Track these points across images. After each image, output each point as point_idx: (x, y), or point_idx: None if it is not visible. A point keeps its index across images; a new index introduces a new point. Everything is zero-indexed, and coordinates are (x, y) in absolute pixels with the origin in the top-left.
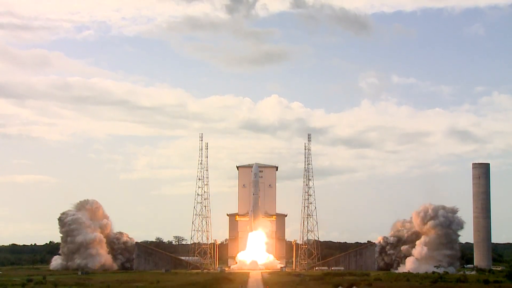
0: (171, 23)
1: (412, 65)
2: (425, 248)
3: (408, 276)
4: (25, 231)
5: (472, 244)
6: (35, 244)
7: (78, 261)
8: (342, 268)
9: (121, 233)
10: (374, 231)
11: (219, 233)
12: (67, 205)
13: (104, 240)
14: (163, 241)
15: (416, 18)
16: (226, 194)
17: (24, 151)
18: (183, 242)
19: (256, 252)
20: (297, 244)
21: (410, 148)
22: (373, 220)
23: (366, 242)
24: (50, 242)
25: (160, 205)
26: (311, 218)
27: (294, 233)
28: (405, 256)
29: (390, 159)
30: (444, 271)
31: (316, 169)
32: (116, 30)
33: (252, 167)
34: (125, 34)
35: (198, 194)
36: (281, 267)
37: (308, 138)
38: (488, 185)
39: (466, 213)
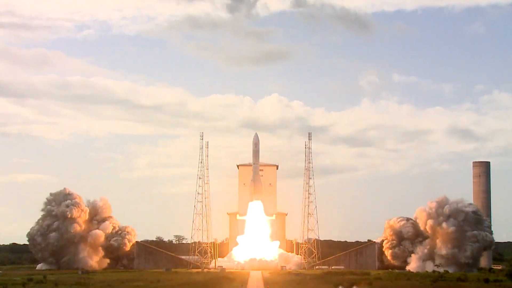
0: (172, 22)
1: (412, 64)
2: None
3: (408, 275)
4: (25, 231)
5: None
6: None
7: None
8: (343, 267)
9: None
10: (375, 230)
11: (219, 232)
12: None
13: (101, 237)
14: (164, 240)
15: (416, 17)
16: (227, 193)
17: (24, 150)
18: (184, 241)
19: (256, 239)
20: (297, 243)
21: (411, 147)
22: (373, 219)
23: (367, 241)
24: None
25: (161, 204)
26: (312, 217)
27: (294, 232)
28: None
29: (391, 158)
30: (444, 270)
31: (317, 168)
32: (116, 29)
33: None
34: (125, 33)
35: (198, 193)
36: (281, 266)
37: (309, 136)
38: (488, 184)
39: None
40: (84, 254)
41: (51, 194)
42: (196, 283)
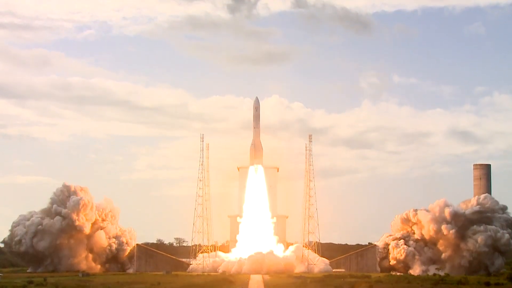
0: (172, 22)
1: (413, 65)
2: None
3: (409, 278)
4: None
5: None
6: None
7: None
8: (343, 270)
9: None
10: (375, 232)
11: (220, 234)
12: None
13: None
14: (164, 242)
15: (416, 18)
16: (227, 195)
17: (25, 152)
18: (184, 244)
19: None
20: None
21: (411, 149)
22: (374, 221)
23: (367, 244)
24: None
25: (161, 206)
26: (312, 220)
27: (295, 234)
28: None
29: (391, 160)
30: (445, 273)
31: (317, 170)
32: (117, 30)
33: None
34: (126, 34)
35: (199, 196)
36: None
37: (309, 138)
38: (489, 186)
39: None
40: (84, 256)
41: (56, 192)
42: (197, 286)
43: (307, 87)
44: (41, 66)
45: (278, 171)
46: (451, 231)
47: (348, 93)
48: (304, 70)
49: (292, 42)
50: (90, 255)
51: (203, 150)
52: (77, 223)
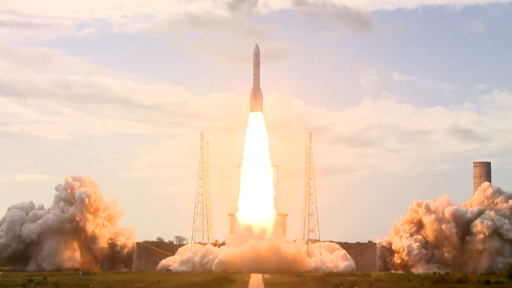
0: (172, 20)
1: (413, 63)
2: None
3: (409, 276)
4: None
5: None
6: None
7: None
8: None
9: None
10: (375, 230)
11: (220, 233)
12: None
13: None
14: (164, 240)
15: (417, 16)
16: (227, 194)
17: (25, 150)
18: (184, 242)
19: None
20: None
21: (411, 147)
22: (374, 219)
23: (367, 242)
24: None
25: (161, 204)
26: (312, 218)
27: (295, 232)
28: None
29: (391, 158)
30: (445, 272)
31: (317, 168)
32: (117, 28)
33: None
34: (126, 32)
35: (199, 194)
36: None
37: (309, 136)
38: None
39: None
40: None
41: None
42: (197, 284)
43: (308, 85)
44: (41, 64)
45: (278, 169)
46: (452, 230)
47: (348, 91)
48: (304, 68)
49: (292, 40)
50: (89, 254)
51: (203, 148)
52: (81, 223)
